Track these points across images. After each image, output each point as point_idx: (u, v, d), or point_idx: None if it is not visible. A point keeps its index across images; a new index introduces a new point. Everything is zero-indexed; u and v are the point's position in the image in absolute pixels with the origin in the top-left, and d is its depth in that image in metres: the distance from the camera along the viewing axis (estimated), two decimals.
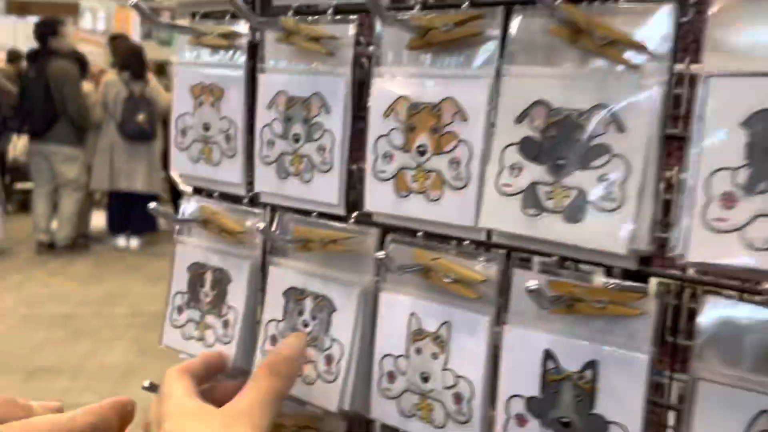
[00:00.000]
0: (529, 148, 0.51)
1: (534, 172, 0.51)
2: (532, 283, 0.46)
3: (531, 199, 0.51)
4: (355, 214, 0.64)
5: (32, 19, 7.34)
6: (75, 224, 5.40)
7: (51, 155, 5.21)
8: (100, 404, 0.47)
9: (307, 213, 0.67)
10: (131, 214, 5.59)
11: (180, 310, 0.76)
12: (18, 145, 6.20)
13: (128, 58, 5.33)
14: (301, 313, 0.63)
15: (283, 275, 0.66)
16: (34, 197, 5.44)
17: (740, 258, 0.42)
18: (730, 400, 0.44)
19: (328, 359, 0.61)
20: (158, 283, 4.80)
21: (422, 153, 0.57)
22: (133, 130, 5.28)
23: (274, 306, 0.66)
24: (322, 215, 0.66)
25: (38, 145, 5.22)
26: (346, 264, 0.63)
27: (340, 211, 0.64)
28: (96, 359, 3.53)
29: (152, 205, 0.68)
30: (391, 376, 0.60)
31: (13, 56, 6.19)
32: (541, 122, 0.51)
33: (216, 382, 0.59)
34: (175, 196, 5.87)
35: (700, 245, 0.43)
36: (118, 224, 5.63)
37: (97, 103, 5.38)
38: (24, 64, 5.44)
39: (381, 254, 0.54)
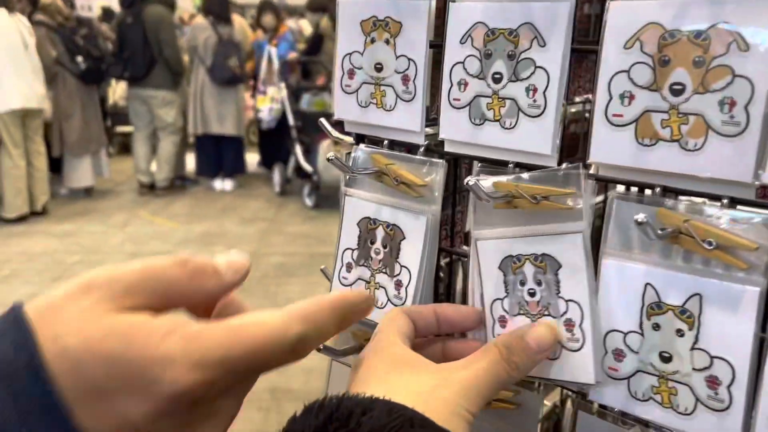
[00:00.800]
0: None
1: None
2: None
3: None
4: (564, 165, 0.54)
5: None
6: (173, 166, 5.54)
7: (149, 99, 5.31)
8: (320, 306, 0.37)
9: (501, 164, 0.57)
10: (222, 156, 5.67)
11: (349, 267, 0.69)
12: (117, 90, 6.37)
13: (212, 1, 5.29)
14: (523, 283, 0.54)
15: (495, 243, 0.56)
16: (134, 140, 5.61)
17: None
18: None
19: (568, 323, 0.52)
20: (252, 223, 4.90)
21: (678, 92, 0.46)
22: (225, 75, 5.29)
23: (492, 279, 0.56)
24: (519, 166, 0.57)
25: (137, 90, 5.33)
26: (555, 221, 0.53)
27: (553, 163, 0.54)
28: None
29: (331, 155, 0.60)
30: (619, 355, 0.51)
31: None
32: None
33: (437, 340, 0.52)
34: (262, 138, 5.90)
35: None
36: (209, 167, 5.74)
37: (184, 47, 5.40)
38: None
39: (642, 217, 0.44)
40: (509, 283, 0.54)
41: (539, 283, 0.53)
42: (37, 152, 5.02)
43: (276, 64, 5.36)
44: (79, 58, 5.01)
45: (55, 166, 5.47)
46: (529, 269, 0.53)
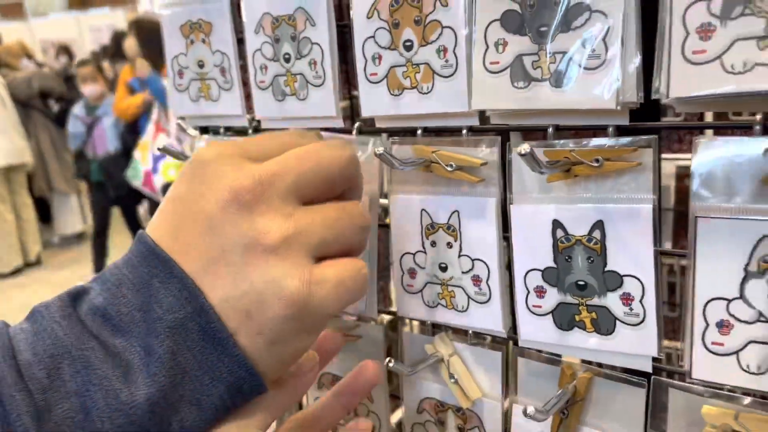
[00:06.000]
0: (511, 21, 0.46)
1: (517, 44, 0.46)
2: (523, 148, 0.42)
3: (519, 72, 0.46)
4: (357, 125, 0.60)
5: (94, 12, 7.18)
6: None
7: None
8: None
9: None
10: None
11: None
12: None
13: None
14: None
15: None
16: None
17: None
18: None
19: None
20: None
21: (409, 48, 0.52)
22: None
23: None
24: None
25: None
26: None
27: (340, 123, 0.60)
28: None
29: (162, 145, 0.65)
30: (412, 273, 0.58)
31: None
32: None
33: None
34: None
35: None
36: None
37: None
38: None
39: (380, 150, 0.50)
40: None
41: None
42: (24, 204, 5.01)
43: None
44: (51, 101, 5.02)
45: (44, 216, 5.46)
46: None
